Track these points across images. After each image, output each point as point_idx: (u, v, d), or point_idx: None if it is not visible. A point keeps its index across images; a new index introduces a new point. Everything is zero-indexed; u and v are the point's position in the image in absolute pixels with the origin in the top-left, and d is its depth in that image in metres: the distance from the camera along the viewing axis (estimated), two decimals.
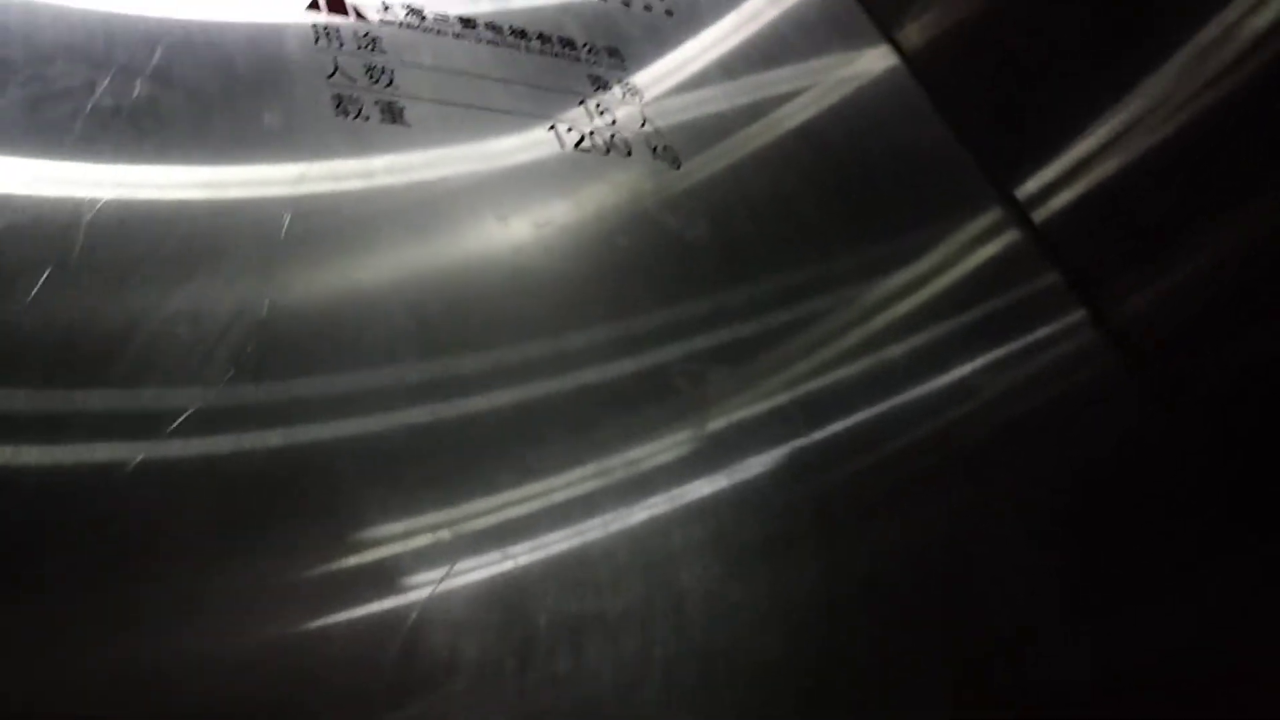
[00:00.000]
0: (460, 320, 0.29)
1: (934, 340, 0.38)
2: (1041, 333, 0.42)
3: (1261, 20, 0.41)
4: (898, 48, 0.54)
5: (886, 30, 0.54)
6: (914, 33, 0.54)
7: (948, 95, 0.51)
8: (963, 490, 0.34)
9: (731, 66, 0.44)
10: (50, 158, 0.26)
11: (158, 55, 0.29)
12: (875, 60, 0.52)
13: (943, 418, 0.36)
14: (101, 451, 0.23)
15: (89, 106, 0.27)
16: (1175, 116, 0.44)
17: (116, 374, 0.24)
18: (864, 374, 0.35)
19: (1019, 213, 0.47)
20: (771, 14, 0.50)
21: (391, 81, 0.33)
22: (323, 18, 0.34)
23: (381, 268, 0.29)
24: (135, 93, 0.28)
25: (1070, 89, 0.48)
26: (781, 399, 0.33)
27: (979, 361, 0.39)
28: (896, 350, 0.37)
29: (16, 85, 0.26)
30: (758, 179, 0.40)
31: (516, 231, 0.32)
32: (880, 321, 0.38)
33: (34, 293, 0.24)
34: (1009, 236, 0.45)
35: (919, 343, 0.38)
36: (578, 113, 0.37)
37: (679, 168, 0.37)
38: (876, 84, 0.50)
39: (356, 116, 0.31)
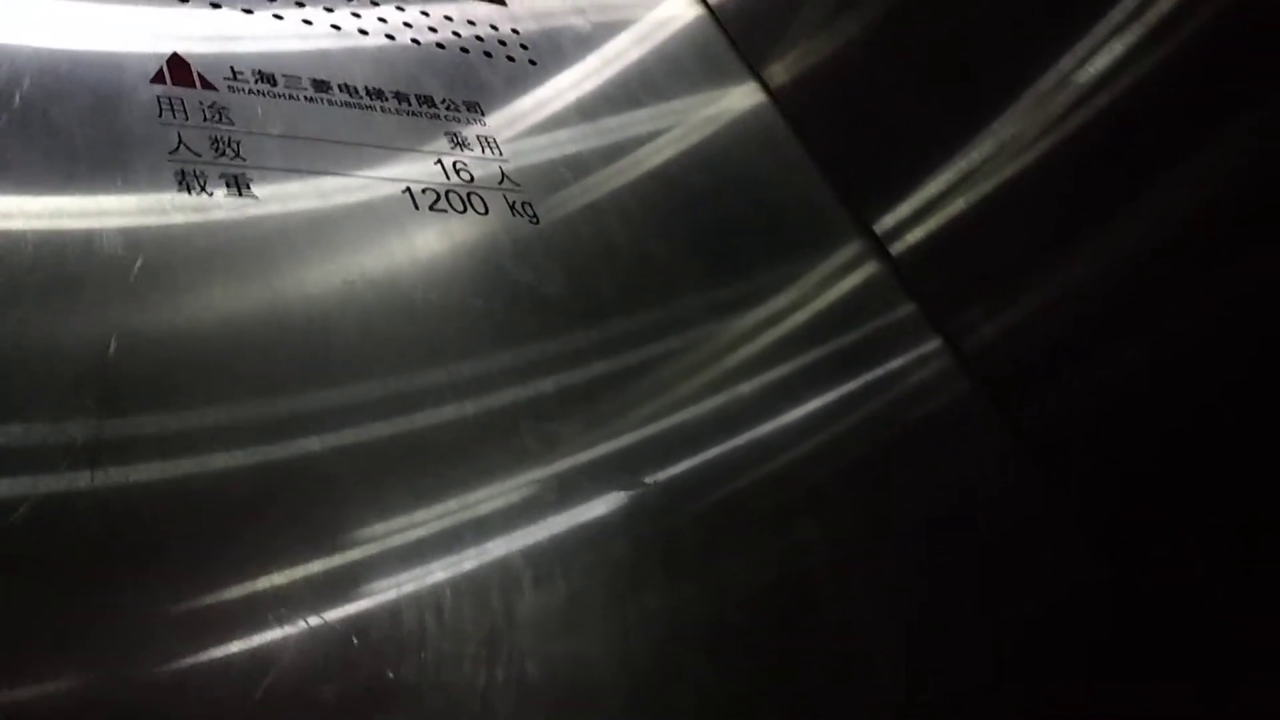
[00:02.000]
0: (302, 363, 0.30)
1: (788, 375, 0.40)
2: (898, 362, 0.43)
3: (1094, 69, 0.43)
4: (765, 85, 0.55)
5: (754, 68, 0.56)
6: (780, 71, 0.55)
7: (812, 132, 0.53)
8: (813, 525, 0.36)
9: (594, 110, 0.45)
10: None
11: None
12: (742, 98, 0.53)
13: (793, 452, 0.37)
14: None
15: None
16: (1021, 156, 0.46)
17: None
18: (712, 412, 0.36)
19: (878, 246, 0.49)
20: (638, 53, 0.51)
21: (238, 153, 0.33)
22: (166, 89, 0.34)
23: (224, 319, 0.29)
24: None
25: (925, 128, 0.50)
26: (626, 440, 0.34)
27: (835, 393, 0.40)
28: (747, 387, 0.38)
29: None
30: (617, 225, 0.41)
31: (362, 292, 0.32)
32: (732, 359, 0.39)
33: None
34: (868, 269, 0.47)
35: (772, 378, 0.39)
36: (434, 172, 0.37)
37: (537, 223, 0.38)
38: (742, 121, 0.51)
39: (200, 192, 0.32)
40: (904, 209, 0.49)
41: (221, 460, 0.27)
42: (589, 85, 0.47)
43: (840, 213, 0.50)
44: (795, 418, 0.38)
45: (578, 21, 0.50)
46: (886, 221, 0.50)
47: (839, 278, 0.46)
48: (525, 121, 0.42)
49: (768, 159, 0.51)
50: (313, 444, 0.28)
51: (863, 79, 0.53)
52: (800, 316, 0.43)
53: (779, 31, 0.55)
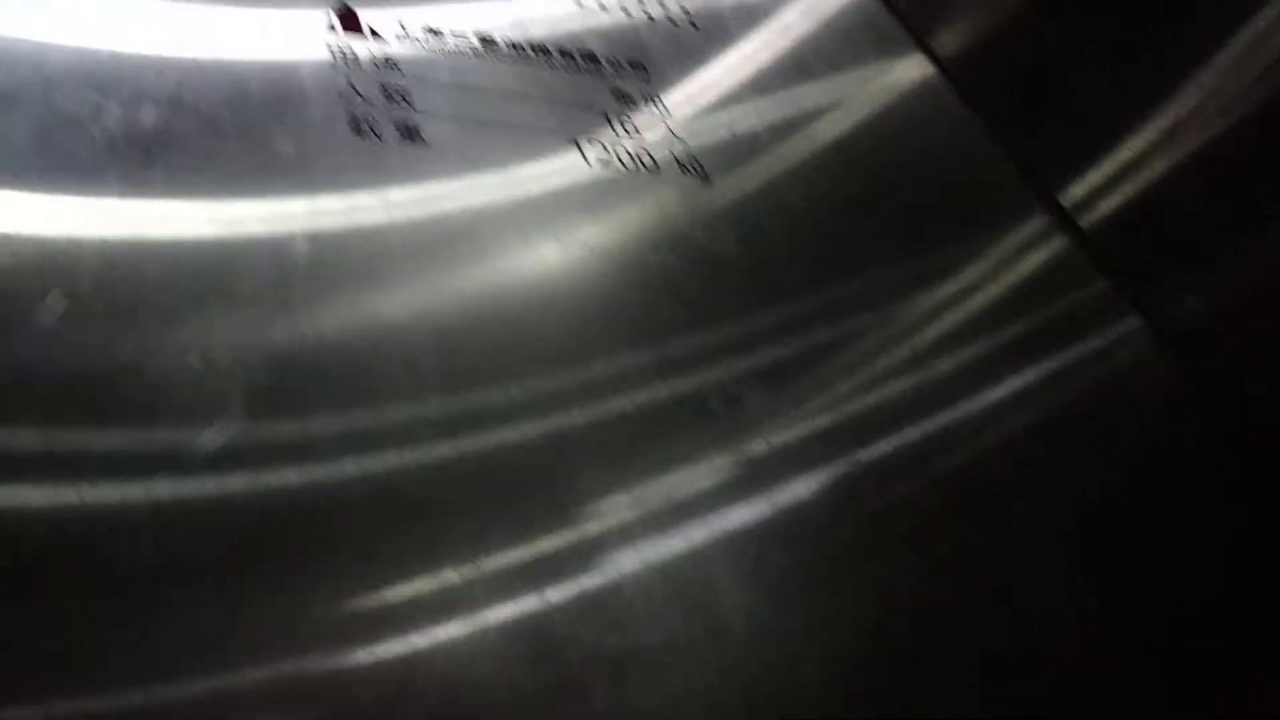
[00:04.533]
0: (484, 349, 0.28)
1: (983, 353, 0.37)
2: (1095, 342, 0.40)
3: None
4: (932, 56, 0.52)
5: (921, 38, 0.53)
6: (948, 40, 0.53)
7: (985, 102, 0.50)
8: (1013, 506, 0.33)
9: (761, 80, 0.43)
10: (57, 190, 0.26)
11: (168, 81, 0.28)
12: (910, 69, 0.51)
13: (995, 433, 0.34)
14: (114, 491, 0.22)
15: (96, 134, 0.26)
16: (1223, 114, 0.42)
17: (128, 412, 0.23)
18: (910, 391, 0.34)
19: (1065, 219, 0.45)
20: (803, 24, 0.49)
21: (408, 100, 0.32)
22: (339, 39, 0.33)
23: (401, 297, 0.28)
24: (145, 120, 0.27)
25: (1111, 91, 0.46)
26: (823, 420, 0.31)
27: (1031, 373, 0.37)
28: (944, 365, 0.35)
29: (22, 113, 0.26)
30: (791, 194, 0.39)
31: (541, 254, 0.31)
32: (925, 336, 0.36)
33: (43, 329, 0.24)
34: (1056, 244, 0.44)
35: (967, 356, 0.36)
36: (601, 127, 0.36)
37: (709, 183, 0.36)
38: (912, 93, 0.49)
39: (373, 137, 0.30)
40: (1093, 178, 0.45)
41: (405, 456, 0.25)
42: (753, 52, 0.45)
43: (1021, 185, 0.46)
44: (994, 398, 0.35)
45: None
46: (1074, 192, 0.46)
47: (1026, 252, 0.43)
48: (691, 84, 0.40)
49: (941, 131, 0.48)
50: (500, 435, 0.27)
51: (1039, 43, 0.49)
52: (989, 293, 0.40)
53: (944, 2, 0.52)
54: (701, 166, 0.36)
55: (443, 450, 0.26)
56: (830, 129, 0.43)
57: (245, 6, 0.33)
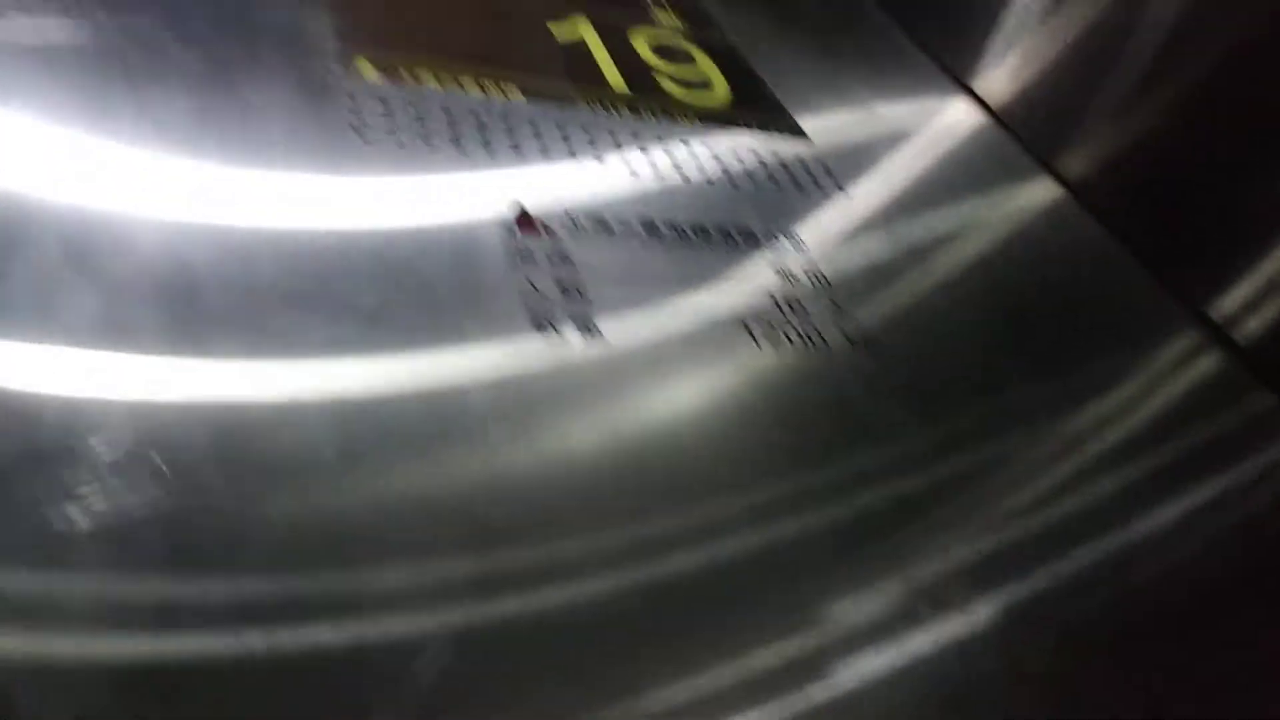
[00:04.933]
0: (659, 492, 0.29)
1: (1144, 474, 0.36)
2: (1261, 459, 0.38)
3: None
4: (1060, 179, 0.53)
5: (1046, 163, 0.53)
6: (1075, 163, 0.52)
7: (1120, 220, 0.50)
8: (1189, 634, 0.31)
9: (905, 229, 0.44)
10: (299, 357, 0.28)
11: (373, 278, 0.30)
12: (1039, 193, 0.51)
13: (1157, 563, 0.33)
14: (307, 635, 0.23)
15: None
16: None
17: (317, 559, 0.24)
18: (1064, 517, 0.33)
19: (1218, 333, 0.44)
20: (929, 162, 0.50)
21: (582, 293, 0.33)
22: (517, 240, 0.34)
23: (581, 453, 0.29)
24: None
25: (1253, 200, 0.45)
26: (984, 545, 0.31)
27: (1195, 496, 0.36)
28: (1099, 489, 0.35)
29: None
30: (939, 320, 0.40)
31: (711, 427, 0.31)
32: (1075, 462, 0.35)
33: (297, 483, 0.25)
34: (1210, 359, 0.43)
35: (1129, 478, 0.35)
36: (766, 305, 0.36)
37: (871, 350, 0.36)
38: (1044, 216, 0.50)
39: (554, 333, 0.31)
40: (1243, 291, 0.44)
41: (593, 586, 0.26)
42: (894, 201, 0.45)
43: (1166, 301, 0.46)
44: (1156, 524, 0.34)
45: (874, 142, 0.50)
46: (1224, 306, 0.45)
47: (1179, 369, 0.42)
48: (842, 246, 0.41)
49: (1076, 251, 0.48)
50: (671, 564, 0.27)
51: (1170, 158, 0.49)
52: (1142, 413, 0.39)
53: (1069, 125, 0.53)
54: (863, 333, 0.36)
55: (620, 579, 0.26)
56: (969, 256, 0.44)
57: (430, 208, 0.35)
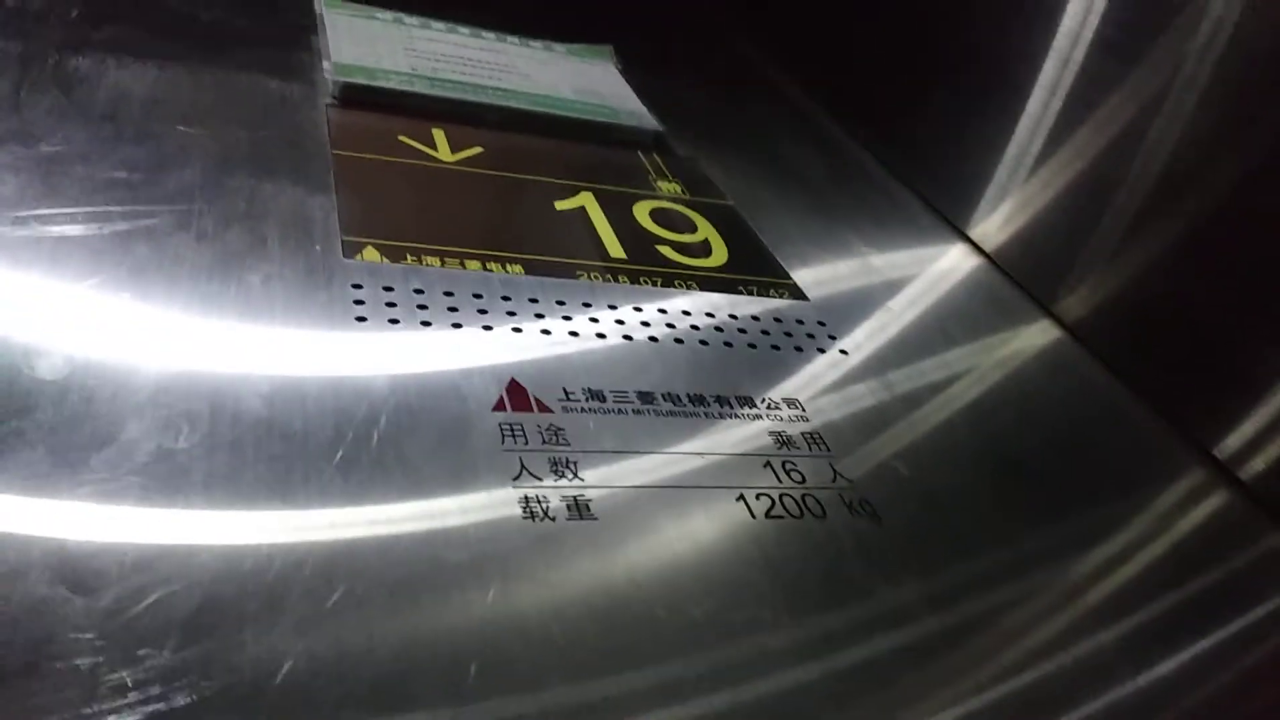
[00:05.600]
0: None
1: (1152, 621, 0.35)
2: (1277, 599, 0.38)
3: None
4: (1059, 321, 0.53)
5: (1045, 305, 0.54)
6: (1074, 304, 0.53)
7: (1120, 360, 0.50)
8: None
9: (908, 388, 0.44)
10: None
11: (360, 448, 0.30)
12: (1038, 335, 0.52)
13: (1175, 709, 0.32)
14: None
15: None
16: None
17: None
18: (1076, 665, 0.32)
19: (1224, 472, 0.44)
20: (928, 311, 0.51)
21: (576, 474, 0.33)
22: (507, 415, 0.34)
23: (565, 620, 0.27)
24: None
25: (1252, 335, 0.45)
26: (990, 695, 0.30)
27: (1208, 638, 0.35)
28: (1107, 635, 0.34)
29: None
30: (937, 465, 0.39)
31: (710, 608, 0.30)
32: (1082, 606, 0.35)
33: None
34: (1218, 498, 0.43)
35: (1133, 625, 0.35)
36: (765, 476, 0.35)
37: (879, 522, 0.35)
38: (1042, 358, 0.50)
39: (544, 518, 0.31)
40: (1248, 428, 0.43)
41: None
42: (892, 353, 0.45)
43: (1170, 440, 0.46)
44: (1168, 669, 0.33)
45: (872, 294, 0.50)
46: (1229, 444, 0.44)
47: (1185, 510, 0.42)
48: (844, 411, 0.40)
49: (1076, 392, 0.49)
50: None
51: (1169, 299, 0.49)
52: (1150, 554, 0.38)
53: (1066, 268, 0.54)
54: (870, 506, 0.35)
55: None
56: (967, 403, 0.44)
57: (423, 384, 0.35)
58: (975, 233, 0.60)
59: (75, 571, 0.25)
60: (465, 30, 0.63)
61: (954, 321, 0.50)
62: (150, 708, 0.23)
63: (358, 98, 0.53)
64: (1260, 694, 0.34)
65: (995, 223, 0.59)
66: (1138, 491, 0.42)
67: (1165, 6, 0.49)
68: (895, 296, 0.51)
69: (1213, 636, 0.35)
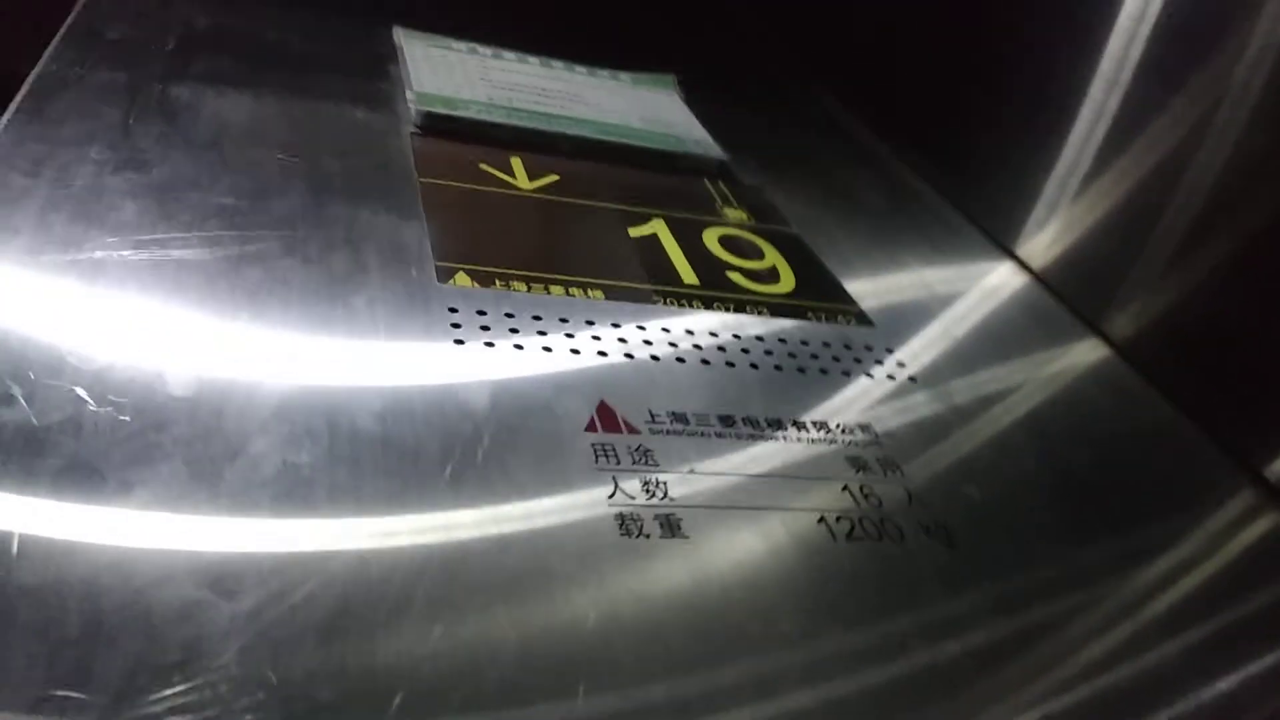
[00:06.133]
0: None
1: (1206, 639, 0.36)
2: None
3: None
4: (1107, 339, 0.54)
5: (1093, 323, 0.55)
6: (1123, 323, 0.54)
7: (1169, 379, 0.51)
8: None
9: (974, 414, 0.45)
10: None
11: (465, 461, 0.32)
12: (1085, 353, 0.53)
13: None
14: None
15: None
16: None
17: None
18: (1128, 679, 0.33)
19: (1274, 494, 0.45)
20: (991, 332, 0.52)
21: (666, 494, 0.34)
22: (599, 436, 0.36)
23: (659, 631, 0.29)
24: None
25: None
26: (1051, 707, 0.31)
27: (1261, 661, 0.36)
28: (1156, 655, 0.35)
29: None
30: (991, 480, 0.41)
31: (803, 629, 0.31)
32: (1138, 622, 0.36)
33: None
34: (1268, 520, 0.43)
35: (1191, 641, 0.36)
36: (843, 499, 0.37)
37: (951, 546, 0.36)
38: (1090, 375, 0.51)
39: (639, 535, 0.33)
40: None
41: None
42: (962, 387, 0.46)
43: (1220, 461, 0.47)
44: (1218, 690, 0.34)
45: (934, 319, 0.52)
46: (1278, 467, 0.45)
47: (1235, 531, 0.43)
48: (914, 436, 0.42)
49: (1125, 410, 0.50)
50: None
51: (1217, 318, 0.50)
52: (1199, 576, 0.39)
53: (1113, 287, 0.55)
54: (945, 530, 0.37)
55: None
56: (1026, 417, 0.46)
57: (518, 402, 0.37)
58: (1022, 252, 0.61)
59: (218, 577, 0.27)
60: (535, 60, 0.66)
61: (1013, 344, 0.52)
62: (292, 707, 0.25)
63: (438, 126, 0.55)
64: None
65: (1042, 242, 0.60)
66: (1189, 510, 0.43)
67: (1211, 30, 0.51)
68: (960, 323, 0.52)
69: (1262, 659, 0.36)
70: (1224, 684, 0.34)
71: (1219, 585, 0.39)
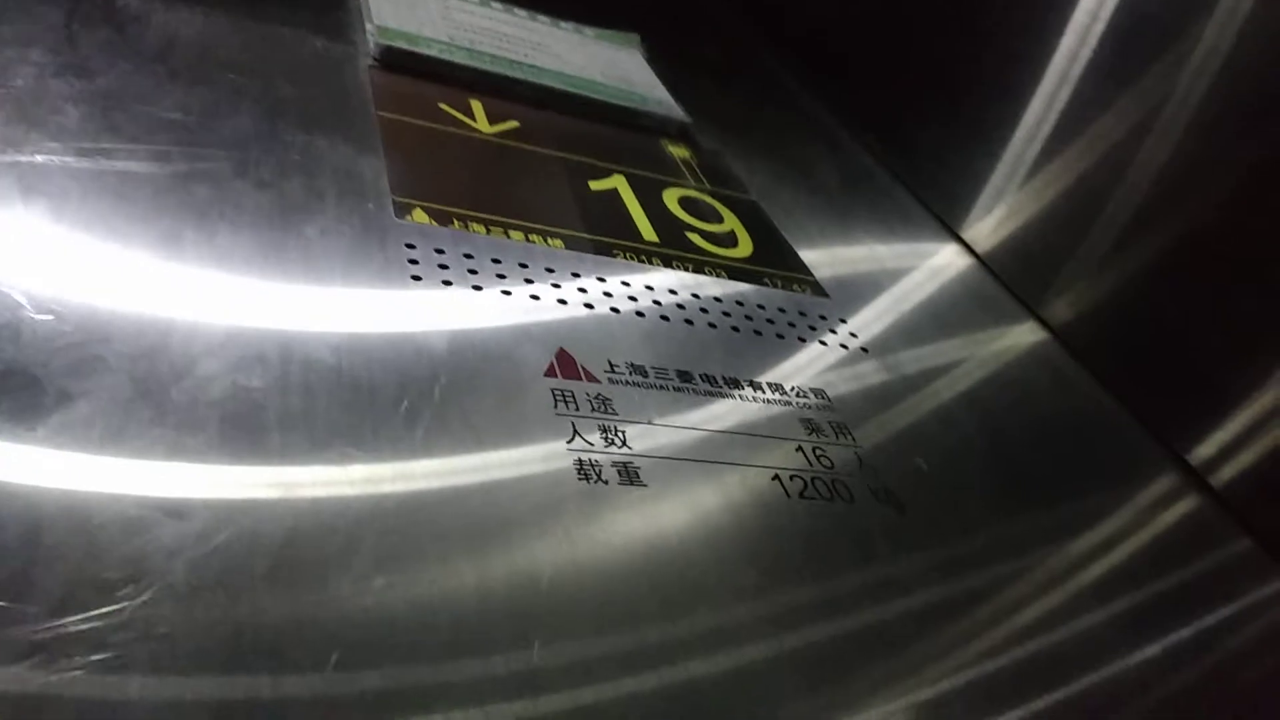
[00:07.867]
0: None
1: (1132, 608, 0.38)
2: (1241, 603, 0.41)
3: None
4: (1045, 323, 0.56)
5: (1032, 307, 0.57)
6: (1060, 309, 0.56)
7: (1101, 364, 0.53)
8: None
9: (926, 386, 0.46)
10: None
11: (421, 402, 0.31)
12: (1023, 335, 0.55)
13: (1151, 695, 0.35)
14: None
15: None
16: None
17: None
18: (1051, 647, 0.35)
19: (1196, 477, 0.47)
20: (935, 310, 0.53)
21: (625, 443, 0.34)
22: (558, 382, 0.36)
23: (611, 577, 0.29)
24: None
25: (1228, 347, 0.48)
26: (986, 667, 0.33)
27: (1176, 634, 0.38)
28: (1098, 616, 0.37)
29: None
30: (930, 448, 0.42)
31: (756, 581, 0.32)
32: (1067, 591, 0.38)
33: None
34: (1189, 502, 0.46)
35: (1117, 609, 0.38)
36: (797, 458, 0.37)
37: (897, 508, 0.37)
38: (1028, 357, 0.53)
39: (597, 480, 0.32)
40: (1221, 436, 0.47)
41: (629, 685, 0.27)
42: (911, 360, 0.47)
43: (1146, 444, 0.49)
44: (1135, 661, 0.36)
45: (882, 292, 0.53)
46: (1202, 452, 0.47)
47: (1157, 511, 0.45)
48: (865, 404, 0.42)
49: (1059, 392, 0.51)
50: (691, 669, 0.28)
51: (1150, 308, 0.52)
52: (1121, 553, 0.41)
53: (1053, 272, 0.57)
54: (895, 496, 0.37)
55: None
56: (961, 390, 0.47)
57: (477, 342, 0.36)
58: (968, 235, 0.63)
59: (164, 496, 0.26)
60: (499, 5, 0.64)
61: (956, 323, 0.53)
62: (242, 638, 0.24)
63: (398, 62, 0.53)
64: (1219, 689, 0.37)
65: (987, 226, 0.62)
66: (1115, 489, 0.45)
67: (1161, 33, 0.52)
68: (908, 299, 0.53)
69: (1177, 633, 0.38)
70: (1149, 650, 0.36)
71: (1143, 560, 0.41)
